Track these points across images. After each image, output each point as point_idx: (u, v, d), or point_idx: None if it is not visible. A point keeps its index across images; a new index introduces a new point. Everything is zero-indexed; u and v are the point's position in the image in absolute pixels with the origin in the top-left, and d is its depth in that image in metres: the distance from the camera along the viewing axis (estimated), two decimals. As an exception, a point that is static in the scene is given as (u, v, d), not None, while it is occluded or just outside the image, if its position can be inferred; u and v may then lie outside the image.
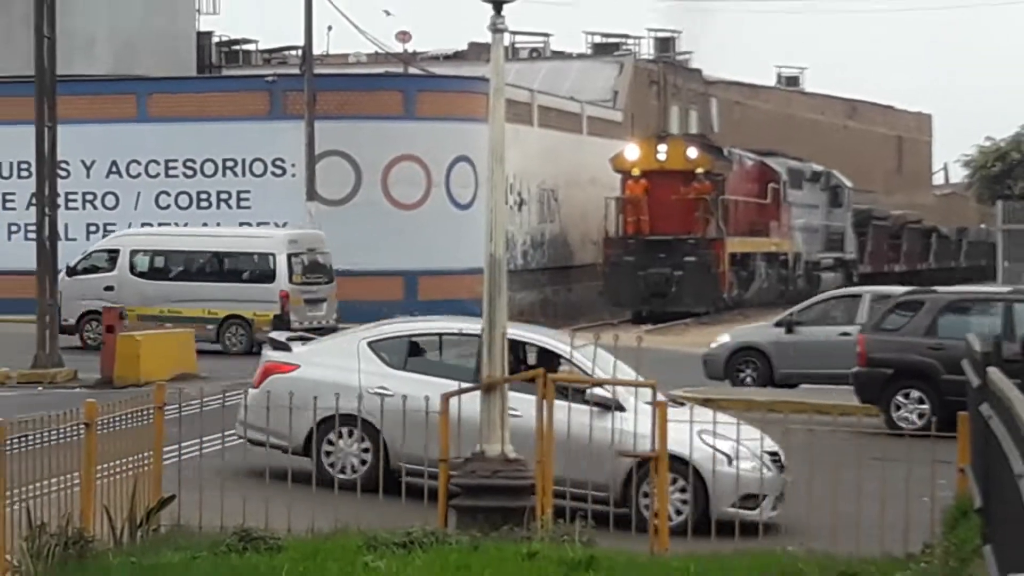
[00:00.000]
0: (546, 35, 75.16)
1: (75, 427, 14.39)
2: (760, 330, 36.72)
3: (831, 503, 15.68)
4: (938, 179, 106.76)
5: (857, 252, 72.06)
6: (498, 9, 16.48)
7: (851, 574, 13.19)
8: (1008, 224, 45.44)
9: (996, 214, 47.95)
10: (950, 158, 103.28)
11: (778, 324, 35.18)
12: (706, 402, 26.40)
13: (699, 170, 53.74)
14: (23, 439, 13.57)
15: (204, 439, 17.55)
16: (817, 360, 33.60)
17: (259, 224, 52.61)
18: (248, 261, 42.07)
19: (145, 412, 15.61)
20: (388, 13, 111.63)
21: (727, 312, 54.75)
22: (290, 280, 41.04)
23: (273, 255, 41.45)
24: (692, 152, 54.40)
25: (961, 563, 12.39)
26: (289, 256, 41.40)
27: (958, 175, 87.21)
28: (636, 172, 54.01)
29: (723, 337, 36.56)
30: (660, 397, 17.23)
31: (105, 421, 14.82)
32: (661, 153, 53.99)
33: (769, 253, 59.62)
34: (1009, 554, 8.53)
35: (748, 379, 34.13)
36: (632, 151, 55.06)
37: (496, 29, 16.75)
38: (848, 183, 71.79)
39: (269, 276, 41.13)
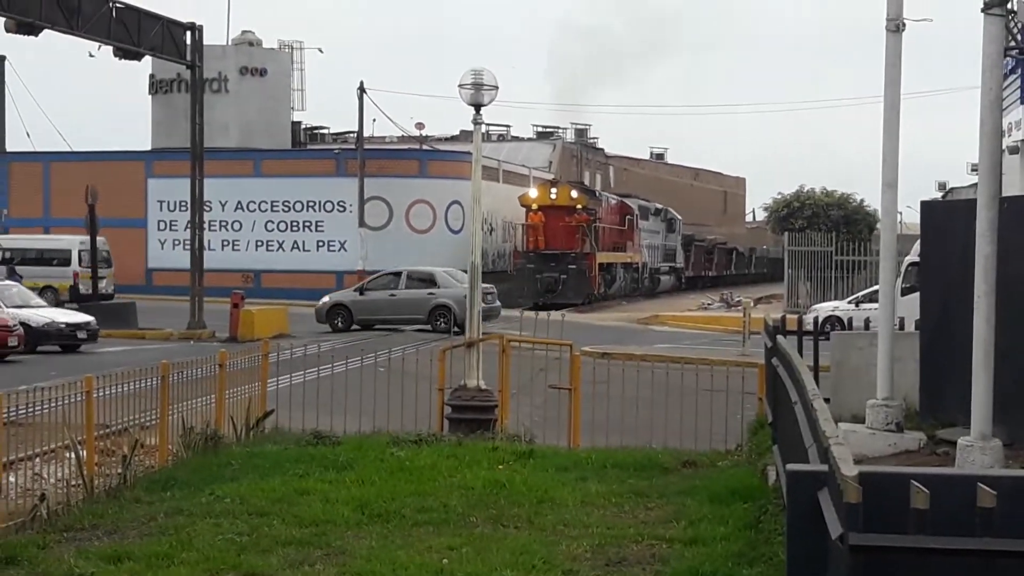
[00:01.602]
0: (508, 125, 74.73)
1: (212, 366, 14.35)
2: (346, 293, 36.25)
3: (680, 421, 15.71)
4: (749, 218, 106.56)
5: (684, 263, 68.98)
6: (477, 110, 16.62)
7: (692, 461, 13.17)
8: (790, 247, 45.71)
9: (783, 240, 48.03)
10: (756, 205, 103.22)
11: (355, 290, 35.40)
12: (604, 355, 25.70)
13: (579, 206, 50.30)
14: (181, 373, 13.52)
15: (292, 375, 17.50)
16: (377, 311, 34.45)
17: (329, 242, 52.58)
18: (56, 254, 42.83)
19: (256, 357, 15.55)
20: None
21: (597, 303, 50.63)
22: (79, 265, 41.70)
23: (70, 250, 42.64)
24: (574, 193, 51.07)
25: (759, 456, 12.43)
26: (80, 251, 41.95)
27: (761, 215, 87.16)
28: (535, 207, 50.26)
29: (325, 298, 36.15)
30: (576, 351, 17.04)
31: (232, 363, 14.77)
32: (553, 193, 50.37)
33: (626, 263, 56.38)
34: (787, 452, 8.54)
35: (340, 323, 34.27)
36: (533, 192, 51.48)
37: (476, 122, 16.85)
38: (679, 217, 68.42)
39: (68, 262, 42.28)
